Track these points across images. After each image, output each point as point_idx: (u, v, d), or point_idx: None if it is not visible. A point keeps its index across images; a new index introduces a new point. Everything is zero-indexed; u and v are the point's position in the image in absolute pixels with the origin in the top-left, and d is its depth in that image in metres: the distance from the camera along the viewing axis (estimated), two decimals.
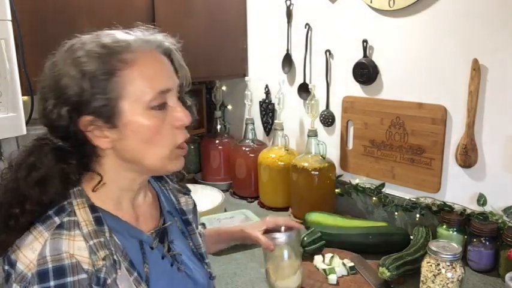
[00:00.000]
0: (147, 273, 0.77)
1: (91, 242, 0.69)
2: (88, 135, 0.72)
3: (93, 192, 0.76)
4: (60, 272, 0.65)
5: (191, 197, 0.99)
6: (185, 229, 0.93)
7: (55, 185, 0.72)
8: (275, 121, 1.93)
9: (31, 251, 0.67)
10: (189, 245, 0.92)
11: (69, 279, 0.66)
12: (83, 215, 0.72)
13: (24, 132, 1.20)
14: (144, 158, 0.75)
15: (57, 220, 0.70)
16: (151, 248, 0.80)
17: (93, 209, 0.74)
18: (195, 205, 1.00)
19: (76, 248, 0.68)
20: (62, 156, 0.73)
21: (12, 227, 0.70)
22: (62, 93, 0.70)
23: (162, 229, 0.85)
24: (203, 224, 1.21)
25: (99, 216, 0.73)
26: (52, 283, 0.64)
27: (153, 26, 0.80)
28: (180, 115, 0.76)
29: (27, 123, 1.22)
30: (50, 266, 0.65)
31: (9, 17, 1.14)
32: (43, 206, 0.72)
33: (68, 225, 0.70)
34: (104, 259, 0.68)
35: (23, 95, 1.22)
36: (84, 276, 0.66)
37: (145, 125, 0.72)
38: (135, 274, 0.74)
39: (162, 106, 0.74)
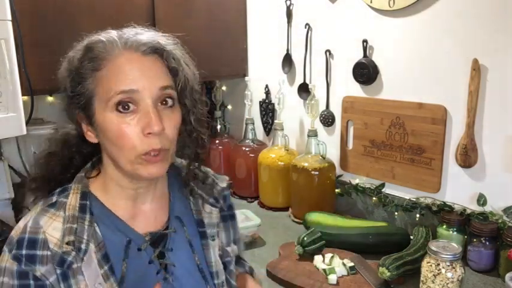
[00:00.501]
0: (123, 271, 0.76)
1: (65, 226, 0.74)
2: (83, 128, 0.77)
3: (94, 182, 0.80)
4: (32, 244, 0.72)
5: (224, 210, 0.92)
6: (197, 242, 0.86)
7: (58, 165, 0.82)
8: (275, 121, 1.92)
9: (23, 220, 0.75)
10: (194, 259, 0.84)
11: (39, 252, 0.72)
12: (72, 200, 0.77)
13: (24, 132, 1.19)
14: (116, 159, 0.75)
15: (54, 198, 0.78)
16: (139, 249, 0.79)
17: (84, 196, 0.78)
18: (225, 220, 0.93)
19: (52, 227, 0.74)
20: (73, 143, 0.82)
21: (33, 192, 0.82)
22: (62, 88, 0.77)
23: (160, 234, 0.82)
24: (251, 268, 1.06)
25: (84, 204, 0.77)
26: (24, 251, 0.72)
27: (145, 25, 0.79)
28: (147, 122, 0.70)
29: (27, 123, 1.22)
30: (27, 236, 0.73)
31: (9, 17, 1.14)
32: (48, 181, 0.81)
33: (59, 205, 0.77)
34: (68, 244, 0.72)
35: (23, 95, 1.22)
36: (48, 253, 0.72)
37: (108, 127, 0.72)
38: (106, 268, 0.74)
39: (126, 108, 0.71)
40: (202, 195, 0.90)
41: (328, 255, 1.36)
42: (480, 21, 1.32)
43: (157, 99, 0.73)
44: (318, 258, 1.37)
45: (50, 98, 1.78)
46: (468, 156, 1.38)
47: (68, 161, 0.83)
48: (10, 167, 1.66)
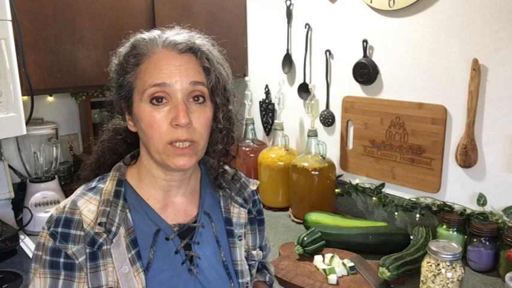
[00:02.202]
0: (150, 258, 0.80)
1: (99, 208, 0.79)
2: (126, 117, 0.84)
3: (130, 171, 0.86)
4: (68, 223, 0.77)
5: (252, 213, 0.94)
6: (224, 239, 0.89)
7: (107, 151, 0.89)
8: (275, 121, 1.93)
9: (64, 201, 0.81)
10: (220, 255, 0.87)
11: (73, 231, 0.77)
12: (108, 185, 0.82)
13: (24, 132, 1.20)
14: (148, 148, 0.79)
15: (94, 184, 0.83)
16: (167, 239, 0.82)
17: (119, 183, 0.83)
18: (253, 223, 0.95)
19: (87, 209, 0.79)
20: (121, 133, 0.89)
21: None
22: (111, 80, 0.84)
23: (188, 227, 0.85)
24: (271, 279, 1.06)
25: (119, 190, 0.82)
26: (60, 229, 0.77)
27: (187, 27, 0.84)
28: (176, 114, 0.75)
29: (27, 123, 1.22)
30: (64, 216, 0.78)
31: (9, 17, 1.14)
32: (98, 166, 0.89)
33: (96, 190, 0.82)
34: (100, 224, 0.77)
35: (23, 95, 1.22)
36: (82, 233, 0.77)
37: (142, 116, 0.77)
38: (133, 252, 0.78)
39: (159, 100, 0.76)
40: (232, 195, 0.92)
41: (328, 255, 1.36)
42: (480, 21, 1.32)
43: (189, 94, 0.77)
44: (318, 258, 1.37)
45: (50, 98, 1.78)
46: (468, 156, 1.38)
47: (114, 148, 0.90)
48: (10, 167, 1.66)
